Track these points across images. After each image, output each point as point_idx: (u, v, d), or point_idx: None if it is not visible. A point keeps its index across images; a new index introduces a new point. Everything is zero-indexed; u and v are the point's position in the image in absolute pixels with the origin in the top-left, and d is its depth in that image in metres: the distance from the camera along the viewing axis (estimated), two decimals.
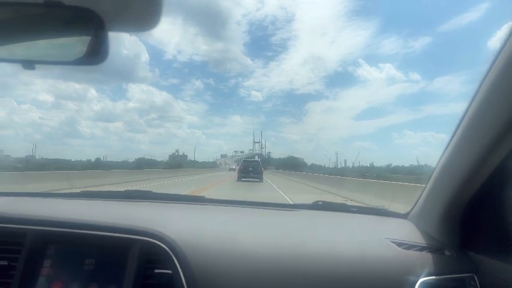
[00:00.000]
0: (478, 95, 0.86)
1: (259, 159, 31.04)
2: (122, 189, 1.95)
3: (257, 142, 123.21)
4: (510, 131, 0.79)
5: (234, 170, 42.10)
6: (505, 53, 0.77)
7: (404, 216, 1.37)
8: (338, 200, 9.19)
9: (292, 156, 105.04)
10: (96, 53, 0.78)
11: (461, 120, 0.94)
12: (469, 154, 0.92)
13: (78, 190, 1.83)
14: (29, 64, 0.78)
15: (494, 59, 0.80)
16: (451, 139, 1.00)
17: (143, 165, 50.12)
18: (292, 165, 75.40)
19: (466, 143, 0.94)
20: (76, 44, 0.80)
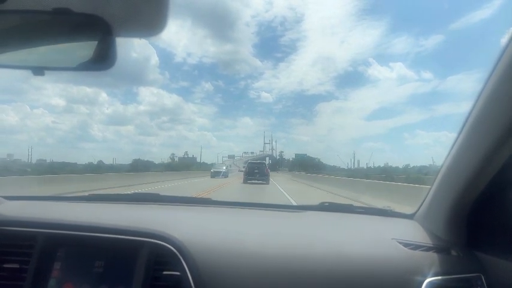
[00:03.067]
0: (482, 94, 0.86)
1: (264, 161, 30.77)
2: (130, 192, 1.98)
3: (267, 143, 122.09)
4: None
5: (225, 175, 29.40)
6: (509, 52, 0.77)
7: (411, 216, 1.37)
8: None
9: (308, 156, 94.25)
10: (104, 59, 0.80)
11: (467, 119, 0.94)
12: (475, 153, 0.92)
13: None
14: (38, 70, 0.80)
15: (499, 58, 0.80)
16: (456, 139, 1.00)
17: (139, 167, 45.09)
18: (307, 167, 68.51)
19: (471, 142, 0.94)
20: (84, 50, 0.81)
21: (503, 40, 0.80)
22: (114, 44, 0.79)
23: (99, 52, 0.80)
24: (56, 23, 0.78)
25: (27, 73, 0.80)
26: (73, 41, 0.84)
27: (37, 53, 0.83)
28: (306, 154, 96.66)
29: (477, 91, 0.89)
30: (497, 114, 0.83)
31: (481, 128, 0.89)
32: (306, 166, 70.51)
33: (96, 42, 0.80)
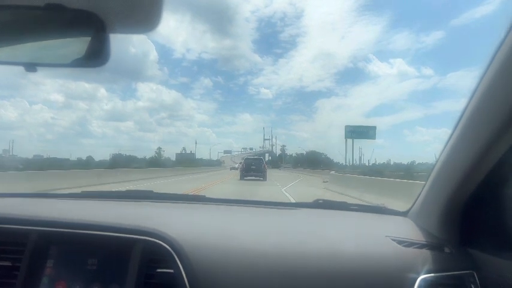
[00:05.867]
0: (477, 90, 0.86)
1: (262, 157, 30.49)
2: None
3: (267, 139, 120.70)
4: (509, 127, 0.79)
5: None
6: (504, 48, 0.77)
7: (404, 214, 1.37)
8: None
9: (314, 151, 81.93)
10: (98, 55, 0.79)
11: (461, 116, 0.93)
12: (469, 150, 0.92)
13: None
14: (30, 67, 0.79)
15: (494, 54, 0.80)
16: (450, 135, 1.00)
17: (119, 163, 37.78)
18: (314, 163, 61.44)
19: (465, 139, 0.94)
20: (77, 46, 0.80)
21: (500, 36, 0.80)
22: (108, 40, 0.78)
23: (93, 48, 0.79)
24: (48, 18, 0.77)
25: (20, 69, 0.79)
26: (66, 37, 0.83)
27: (29, 49, 0.82)
28: (291, 154, 70.71)
29: (472, 87, 0.88)
30: (491, 110, 0.82)
31: (476, 125, 0.89)
32: (312, 163, 64.65)
33: (89, 39, 0.79)
